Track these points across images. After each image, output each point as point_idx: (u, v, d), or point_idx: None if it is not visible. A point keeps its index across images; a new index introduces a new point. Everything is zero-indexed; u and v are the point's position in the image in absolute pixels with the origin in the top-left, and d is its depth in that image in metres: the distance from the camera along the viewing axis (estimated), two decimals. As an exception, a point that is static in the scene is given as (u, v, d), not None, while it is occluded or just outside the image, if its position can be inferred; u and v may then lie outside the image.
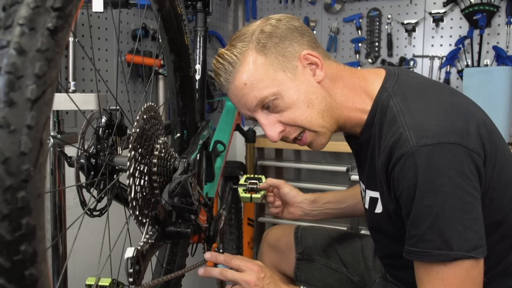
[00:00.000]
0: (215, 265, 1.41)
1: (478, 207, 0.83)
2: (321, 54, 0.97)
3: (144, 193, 0.79)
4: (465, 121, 0.84)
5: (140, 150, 0.77)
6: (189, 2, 1.36)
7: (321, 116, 0.95)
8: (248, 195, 1.29)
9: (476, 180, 0.82)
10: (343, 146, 2.04)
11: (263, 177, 1.33)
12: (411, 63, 2.42)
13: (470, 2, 2.25)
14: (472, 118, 0.86)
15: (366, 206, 1.05)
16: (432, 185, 0.80)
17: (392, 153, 0.85)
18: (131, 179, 0.74)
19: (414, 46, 2.43)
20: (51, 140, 1.10)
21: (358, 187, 1.34)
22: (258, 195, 1.28)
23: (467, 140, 0.82)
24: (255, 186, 1.29)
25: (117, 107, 0.82)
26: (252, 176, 1.34)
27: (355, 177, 1.94)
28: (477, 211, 0.82)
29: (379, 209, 0.99)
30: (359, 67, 2.50)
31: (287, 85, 0.93)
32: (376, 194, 0.99)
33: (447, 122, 0.83)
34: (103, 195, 0.79)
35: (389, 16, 2.44)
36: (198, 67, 1.35)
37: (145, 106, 0.80)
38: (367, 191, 1.04)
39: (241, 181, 1.32)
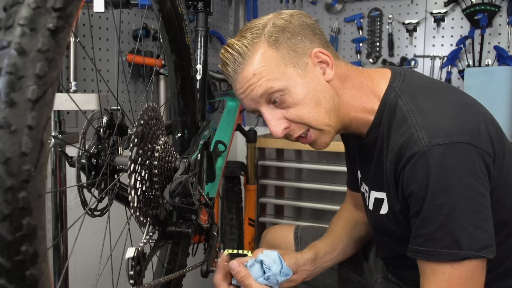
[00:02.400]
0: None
1: (489, 206, 0.83)
2: (332, 53, 0.96)
3: (145, 193, 0.79)
4: (475, 121, 0.84)
5: (141, 150, 0.77)
6: (190, 2, 1.36)
7: (327, 115, 0.94)
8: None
9: (486, 180, 0.83)
10: (344, 146, 2.04)
11: (249, 253, 1.08)
12: (412, 63, 2.42)
13: (471, 2, 2.24)
14: (481, 117, 0.86)
15: (370, 207, 1.05)
16: (443, 185, 0.80)
17: (402, 152, 0.85)
18: (132, 178, 0.74)
19: (415, 46, 2.43)
20: (52, 140, 1.10)
21: (337, 224, 1.28)
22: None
23: (478, 139, 0.82)
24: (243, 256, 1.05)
25: (118, 107, 0.82)
26: (235, 252, 1.08)
27: (356, 177, 1.94)
28: (487, 211, 0.82)
29: (384, 210, 0.99)
30: (361, 67, 2.50)
31: (297, 81, 0.92)
32: (381, 195, 0.99)
33: (459, 121, 0.83)
34: (104, 195, 0.79)
35: (390, 16, 2.44)
36: (199, 67, 1.35)
37: (146, 106, 0.80)
38: (371, 192, 1.03)
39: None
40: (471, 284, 0.82)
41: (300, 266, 1.14)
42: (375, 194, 1.02)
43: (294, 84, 0.92)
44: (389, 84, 0.95)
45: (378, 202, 1.00)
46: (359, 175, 1.13)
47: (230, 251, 1.07)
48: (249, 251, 1.09)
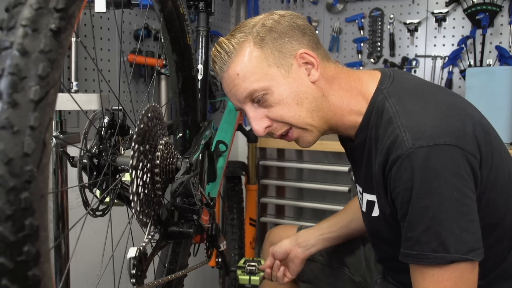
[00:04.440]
0: (218, 266, 1.41)
1: (475, 209, 0.82)
2: (321, 55, 0.96)
3: (147, 193, 0.79)
4: (461, 122, 0.84)
5: (142, 150, 0.77)
6: (191, 2, 1.36)
7: (310, 115, 0.95)
8: (247, 277, 1.28)
9: (472, 182, 0.82)
10: (345, 146, 2.04)
11: (262, 260, 1.31)
12: (414, 63, 2.42)
13: (473, 1, 2.24)
14: (468, 119, 0.86)
15: (364, 209, 1.05)
16: (428, 187, 0.80)
17: (389, 155, 0.85)
18: (133, 175, 0.74)
19: (416, 46, 2.42)
20: (54, 140, 1.10)
21: (350, 204, 1.33)
22: (256, 277, 1.27)
23: (464, 141, 0.81)
24: (253, 268, 1.28)
25: (120, 107, 0.82)
26: (251, 258, 1.33)
27: (357, 177, 1.94)
28: (473, 213, 0.82)
29: (376, 212, 0.99)
30: (361, 67, 2.50)
31: (279, 81, 0.92)
32: (373, 198, 0.99)
33: (444, 123, 0.83)
34: (105, 195, 0.79)
35: (392, 16, 2.44)
36: (200, 67, 1.35)
37: (147, 106, 0.80)
38: (364, 194, 1.03)
39: (240, 263, 1.31)
40: (461, 286, 0.81)
41: (291, 244, 1.28)
42: (367, 197, 1.02)
43: (276, 84, 0.92)
44: (378, 87, 0.95)
45: (370, 204, 1.01)
46: (353, 177, 1.14)
47: (246, 258, 1.32)
48: (262, 259, 1.31)
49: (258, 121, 0.96)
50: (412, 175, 0.81)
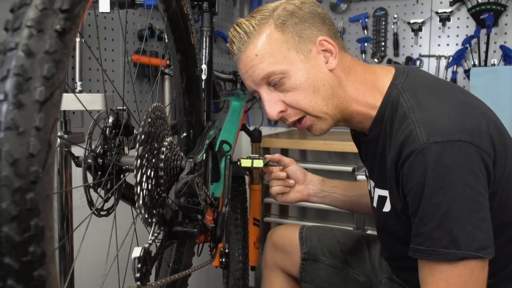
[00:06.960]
0: (221, 266, 1.41)
1: (487, 206, 0.82)
2: (339, 45, 0.97)
3: (151, 193, 0.79)
4: (476, 120, 0.84)
5: (146, 149, 0.77)
6: (195, 2, 1.37)
7: (325, 103, 0.95)
8: (249, 160, 1.21)
9: (485, 180, 0.82)
10: (349, 146, 2.04)
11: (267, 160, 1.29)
12: (418, 62, 2.41)
13: (477, 1, 2.23)
14: (483, 117, 0.86)
15: (375, 204, 1.05)
16: (441, 183, 0.79)
17: (402, 149, 0.85)
18: (138, 177, 0.74)
19: (420, 45, 2.42)
20: (58, 140, 1.10)
21: (365, 182, 1.34)
22: (260, 160, 1.21)
23: (478, 139, 0.81)
24: (256, 157, 1.23)
25: (124, 107, 0.82)
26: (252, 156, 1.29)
27: (361, 177, 1.93)
28: (486, 211, 0.81)
29: (387, 208, 0.98)
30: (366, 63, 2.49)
31: (297, 66, 0.93)
32: (384, 193, 0.99)
33: (459, 120, 0.83)
34: (110, 195, 0.79)
35: (395, 15, 2.43)
36: (204, 67, 1.35)
37: (151, 106, 0.80)
38: (376, 189, 1.03)
39: (243, 157, 1.27)
40: (471, 283, 0.81)
41: (307, 180, 1.29)
42: (379, 192, 1.02)
43: (294, 69, 0.93)
44: (392, 82, 0.96)
45: (382, 199, 1.00)
46: (366, 173, 1.13)
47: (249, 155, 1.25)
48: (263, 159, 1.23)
49: (272, 104, 0.96)
50: (425, 171, 0.80)
